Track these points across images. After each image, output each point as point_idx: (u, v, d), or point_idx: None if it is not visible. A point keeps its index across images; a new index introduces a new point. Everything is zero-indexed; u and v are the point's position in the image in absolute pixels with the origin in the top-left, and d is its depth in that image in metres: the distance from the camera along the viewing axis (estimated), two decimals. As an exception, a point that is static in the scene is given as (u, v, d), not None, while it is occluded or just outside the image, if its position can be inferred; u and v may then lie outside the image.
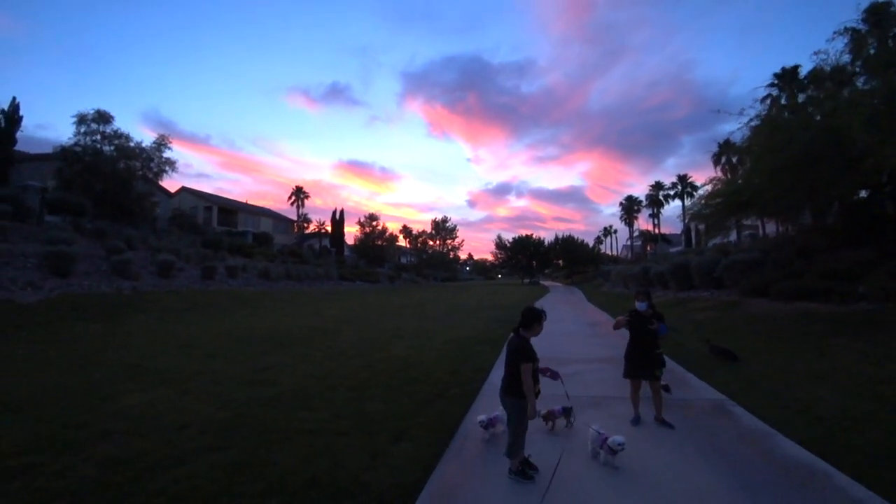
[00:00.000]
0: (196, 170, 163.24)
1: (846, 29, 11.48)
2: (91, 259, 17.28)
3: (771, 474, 3.78)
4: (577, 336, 12.12)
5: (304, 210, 69.40)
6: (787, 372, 7.19)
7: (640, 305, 5.19)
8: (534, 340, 3.86)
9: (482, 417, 4.61)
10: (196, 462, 4.08)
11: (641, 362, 5.12)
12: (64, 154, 23.96)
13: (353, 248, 58.68)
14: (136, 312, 13.87)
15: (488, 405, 5.63)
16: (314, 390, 6.56)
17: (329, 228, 57.91)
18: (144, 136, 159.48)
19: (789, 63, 35.15)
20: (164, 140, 26.93)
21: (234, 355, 9.08)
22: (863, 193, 15.07)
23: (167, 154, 27.15)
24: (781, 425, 4.86)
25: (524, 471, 3.79)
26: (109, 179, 24.46)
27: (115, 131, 25.29)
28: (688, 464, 4.04)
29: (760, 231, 33.74)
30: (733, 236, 32.01)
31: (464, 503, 3.40)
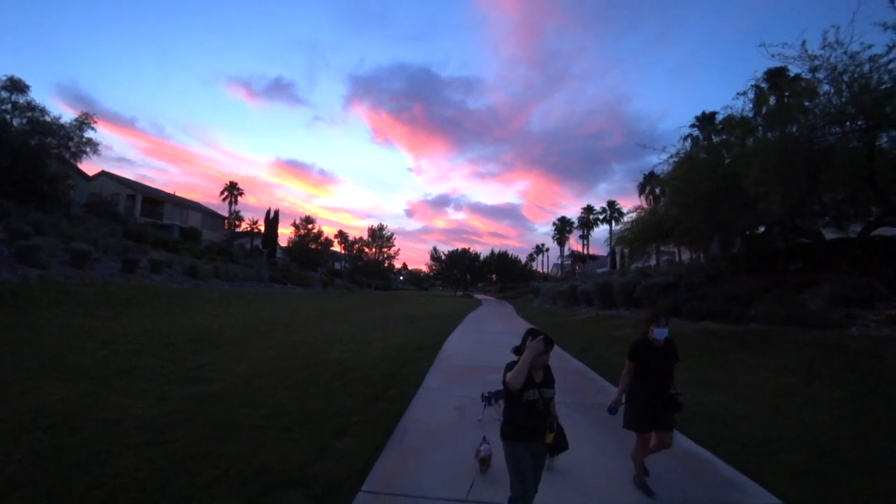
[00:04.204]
0: (118, 153, 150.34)
1: (751, 87, 13.27)
2: (-8, 243, 15.66)
3: (667, 463, 4.46)
4: (505, 346, 12.71)
5: (237, 207, 66.60)
6: (688, 380, 8.13)
7: (658, 332, 3.84)
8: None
9: None
10: (136, 456, 4.06)
11: (656, 409, 3.86)
12: None
13: (286, 249, 56.78)
14: (46, 305, 12.74)
15: (426, 406, 5.99)
16: (253, 389, 6.57)
17: (262, 228, 55.83)
18: (59, 109, 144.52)
19: (713, 106, 39.18)
20: (87, 118, 24.73)
21: (162, 353, 8.76)
22: (761, 229, 17.18)
23: (89, 134, 25.02)
24: (680, 424, 5.59)
25: None
26: (19, 155, 22.12)
27: (29, 103, 22.96)
28: (600, 455, 4.69)
29: (677, 257, 36.80)
30: (653, 261, 34.76)
31: (405, 488, 3.72)
